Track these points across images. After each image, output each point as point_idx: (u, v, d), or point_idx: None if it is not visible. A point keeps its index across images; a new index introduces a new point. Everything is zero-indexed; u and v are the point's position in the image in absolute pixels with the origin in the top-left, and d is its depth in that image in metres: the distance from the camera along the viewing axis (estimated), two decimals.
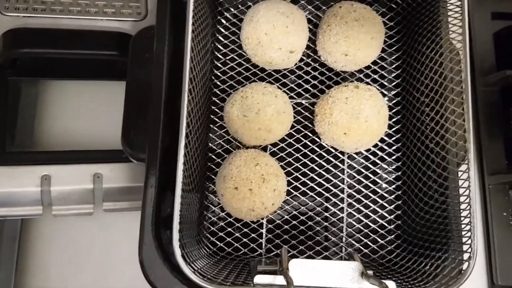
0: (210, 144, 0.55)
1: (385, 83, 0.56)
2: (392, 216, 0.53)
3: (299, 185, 0.53)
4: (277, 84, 0.55)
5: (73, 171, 0.56)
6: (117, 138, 0.51)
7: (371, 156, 0.54)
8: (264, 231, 0.52)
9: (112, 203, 0.56)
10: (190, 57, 0.44)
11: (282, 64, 0.53)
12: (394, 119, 0.55)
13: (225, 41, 0.56)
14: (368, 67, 0.56)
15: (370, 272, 0.41)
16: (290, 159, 0.54)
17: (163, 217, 0.47)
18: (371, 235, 0.53)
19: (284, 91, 0.54)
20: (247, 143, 0.52)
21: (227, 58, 0.56)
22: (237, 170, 0.48)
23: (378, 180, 0.54)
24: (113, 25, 0.60)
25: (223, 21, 0.57)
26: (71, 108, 0.64)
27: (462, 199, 0.45)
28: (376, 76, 0.56)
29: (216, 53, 0.56)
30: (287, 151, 0.54)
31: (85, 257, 0.61)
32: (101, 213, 0.56)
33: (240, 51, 0.56)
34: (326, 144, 0.54)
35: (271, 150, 0.54)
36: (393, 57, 0.57)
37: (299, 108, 0.55)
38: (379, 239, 0.53)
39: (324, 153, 0.54)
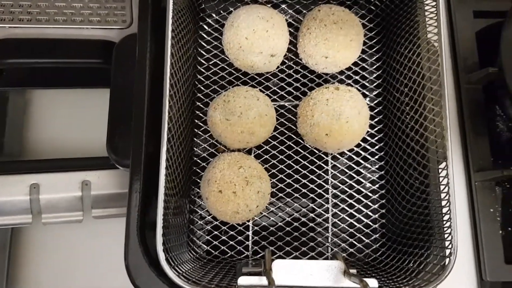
0: (195, 149, 0.55)
1: (367, 84, 0.57)
2: (377, 215, 0.54)
3: (284, 187, 0.54)
4: (260, 87, 0.56)
5: (62, 179, 0.56)
6: (104, 145, 0.51)
7: (354, 156, 0.55)
8: (250, 233, 0.53)
9: (101, 210, 0.57)
10: (171, 63, 0.45)
11: (264, 68, 0.54)
12: (376, 119, 0.56)
13: (208, 47, 0.57)
14: (349, 69, 0.56)
15: (354, 271, 0.41)
16: (274, 161, 0.54)
17: (149, 222, 0.47)
18: (357, 234, 0.53)
19: (267, 94, 0.55)
20: (231, 147, 0.53)
21: (210, 63, 0.57)
22: (221, 174, 0.48)
23: (362, 180, 0.55)
24: (99, 33, 0.60)
25: (205, 26, 0.58)
26: (59, 116, 0.65)
27: (442, 196, 0.45)
28: (357, 77, 0.57)
29: (199, 58, 0.57)
30: (271, 153, 0.54)
31: (76, 264, 0.62)
32: (91, 220, 0.56)
33: (223, 56, 0.57)
34: (310, 146, 0.55)
35: (256, 153, 0.55)
36: (374, 58, 0.57)
37: (282, 111, 0.56)
38: (364, 238, 0.53)
39: (308, 155, 0.55)
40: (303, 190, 0.54)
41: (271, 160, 0.54)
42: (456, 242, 0.43)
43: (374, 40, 0.57)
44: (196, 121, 0.56)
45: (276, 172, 0.54)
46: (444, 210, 0.45)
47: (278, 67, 0.56)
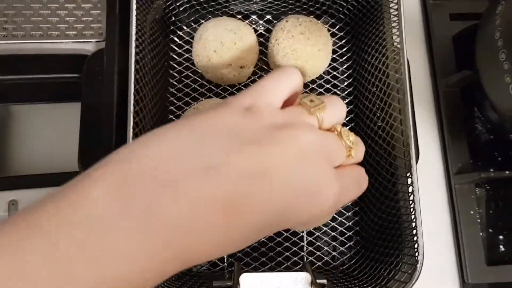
0: None
1: (338, 92, 0.57)
2: (351, 223, 0.54)
3: None
4: None
5: (41, 195, 0.56)
6: None
7: None
8: None
9: None
10: (135, 79, 0.45)
11: (234, 79, 0.54)
12: (348, 127, 0.56)
13: (180, 59, 0.57)
14: (321, 77, 0.57)
15: (323, 281, 0.42)
16: None
17: None
18: (331, 242, 0.54)
19: None
20: None
21: (182, 75, 0.57)
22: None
23: None
24: (76, 47, 0.60)
25: (176, 39, 0.58)
26: (37, 132, 0.65)
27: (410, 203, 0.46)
28: (329, 86, 0.57)
29: (170, 71, 0.57)
30: None
31: None
32: None
33: (194, 68, 0.57)
34: None
35: None
36: (345, 66, 0.58)
37: None
38: (339, 246, 0.53)
39: None
40: None
41: None
42: (422, 250, 0.43)
43: (345, 49, 0.58)
44: None
45: None
46: (412, 217, 0.45)
47: (249, 78, 0.56)
